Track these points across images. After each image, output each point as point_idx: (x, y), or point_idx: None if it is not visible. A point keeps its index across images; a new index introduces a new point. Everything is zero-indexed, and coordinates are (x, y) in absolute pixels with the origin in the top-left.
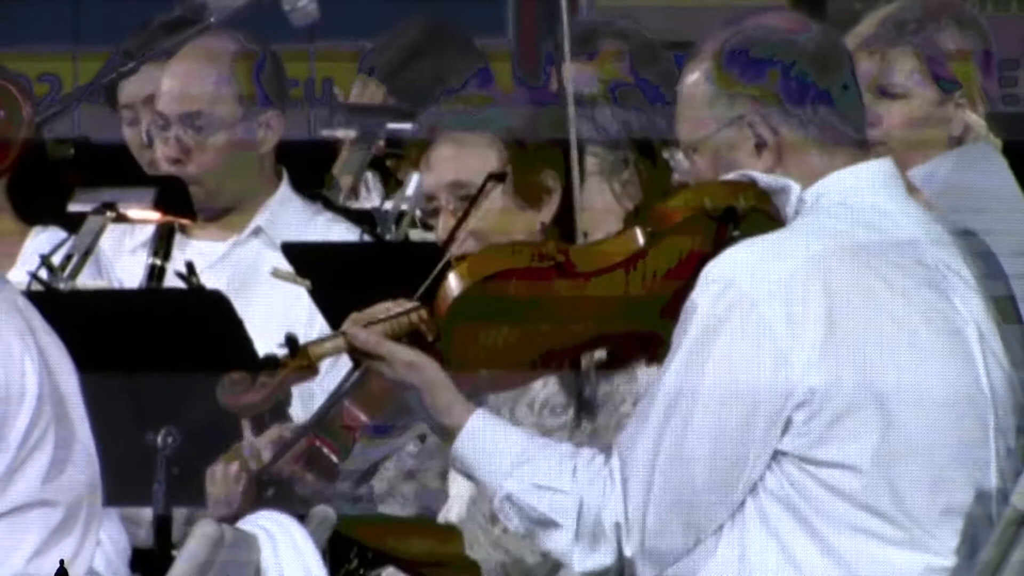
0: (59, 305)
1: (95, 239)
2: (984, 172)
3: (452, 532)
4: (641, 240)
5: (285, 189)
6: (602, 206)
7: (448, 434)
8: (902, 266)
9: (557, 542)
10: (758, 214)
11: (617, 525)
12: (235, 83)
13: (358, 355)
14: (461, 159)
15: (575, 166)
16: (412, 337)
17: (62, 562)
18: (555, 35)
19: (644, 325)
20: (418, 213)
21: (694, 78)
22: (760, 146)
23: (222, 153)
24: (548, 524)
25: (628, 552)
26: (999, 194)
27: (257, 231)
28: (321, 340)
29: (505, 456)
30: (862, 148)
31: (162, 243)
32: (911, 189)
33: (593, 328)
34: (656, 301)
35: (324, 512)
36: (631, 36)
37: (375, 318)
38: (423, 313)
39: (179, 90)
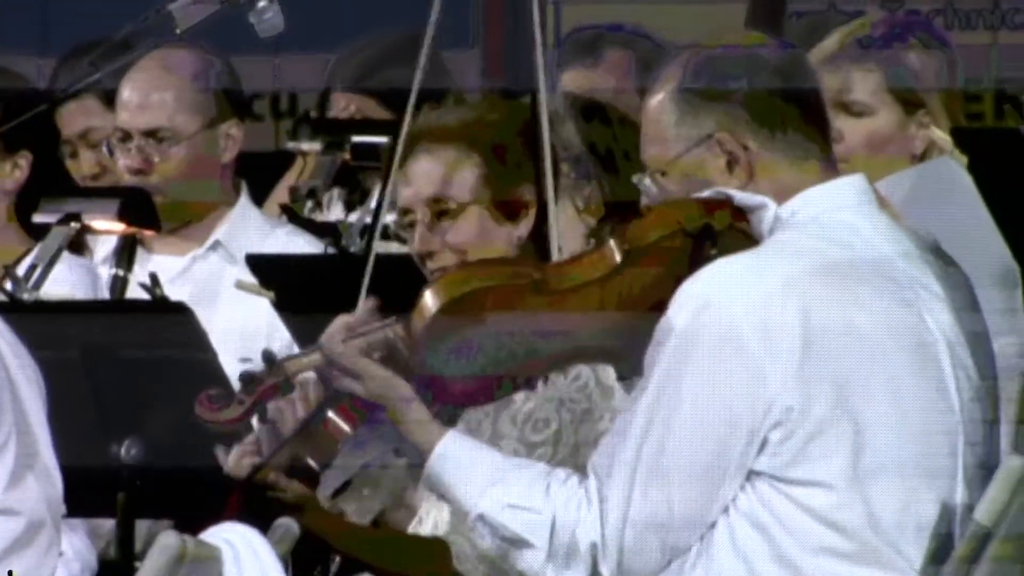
0: (22, 316)
1: (59, 250)
2: (947, 188)
3: (438, 544)
4: (617, 257)
5: (244, 201)
6: (564, 221)
7: (422, 452)
8: (874, 284)
9: (530, 561)
10: (734, 231)
11: (593, 545)
12: (194, 94)
13: (334, 370)
14: (441, 173)
15: (548, 181)
16: (386, 352)
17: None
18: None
19: (618, 341)
20: (389, 222)
21: (658, 100)
22: (731, 163)
23: (184, 163)
24: (520, 543)
25: (605, 572)
26: (961, 209)
27: (216, 245)
28: (298, 356)
29: (478, 476)
30: (831, 162)
31: (124, 254)
32: (882, 202)
33: (568, 344)
34: (630, 318)
35: (287, 524)
36: (637, 44)
37: (352, 333)
38: (398, 328)
39: (139, 102)
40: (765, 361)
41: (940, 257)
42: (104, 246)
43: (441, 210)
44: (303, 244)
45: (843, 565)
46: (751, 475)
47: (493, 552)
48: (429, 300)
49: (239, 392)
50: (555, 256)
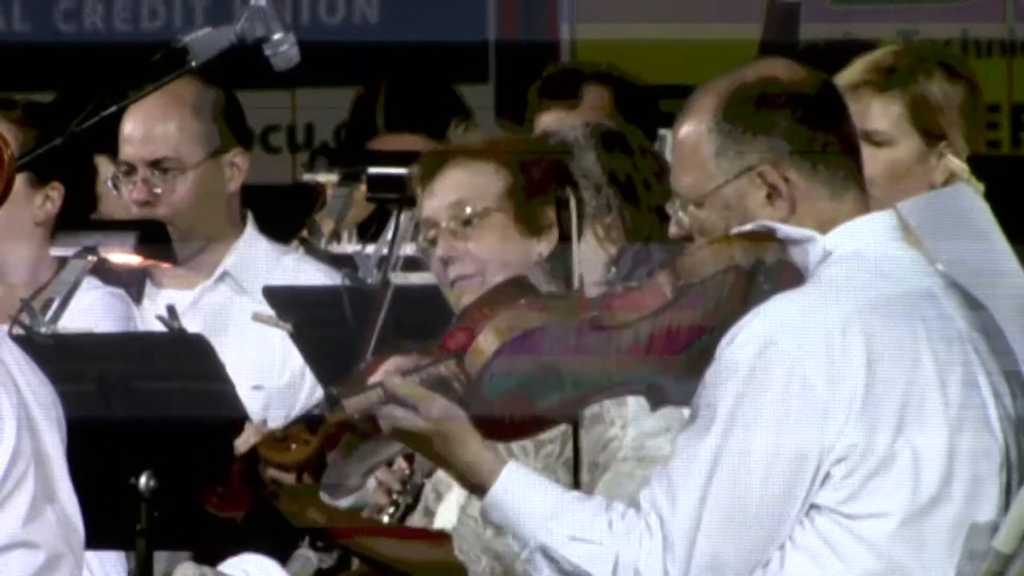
0: (39, 349)
1: (76, 283)
2: (963, 215)
3: (442, 537)
4: (669, 292)
5: (251, 230)
6: (585, 249)
7: (478, 487)
8: (926, 318)
9: None
10: (783, 267)
11: None
12: (198, 124)
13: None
14: (467, 181)
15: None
16: (440, 389)
17: None
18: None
19: (664, 375)
20: (405, 253)
21: (694, 131)
22: (772, 196)
23: (190, 193)
24: None
25: None
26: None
27: (224, 276)
28: (358, 393)
29: (539, 508)
30: (865, 192)
31: (134, 289)
32: (912, 239)
33: (617, 378)
34: (679, 353)
35: (306, 556)
36: (613, 81)
37: (408, 368)
38: (451, 365)
39: (142, 135)
40: (829, 398)
41: (961, 289)
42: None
43: (465, 218)
44: (311, 271)
45: None
46: (811, 509)
47: None
48: (487, 337)
49: (304, 432)
50: (576, 282)
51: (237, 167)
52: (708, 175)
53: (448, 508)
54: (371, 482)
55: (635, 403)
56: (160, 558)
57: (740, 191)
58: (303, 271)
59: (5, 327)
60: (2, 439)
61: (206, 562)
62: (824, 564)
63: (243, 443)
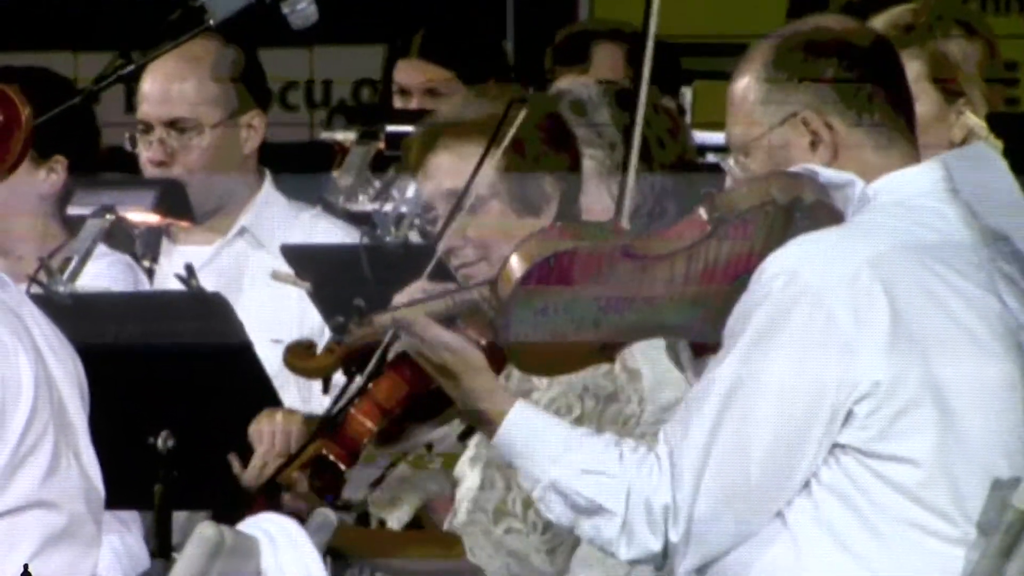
0: (57, 308)
1: (94, 241)
2: (983, 173)
3: (453, 539)
4: (707, 225)
5: (268, 188)
6: (600, 209)
7: (487, 422)
8: (960, 267)
9: (603, 529)
10: (822, 206)
11: (666, 507)
12: (215, 85)
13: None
14: (458, 167)
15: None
16: (470, 315)
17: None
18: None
19: (699, 314)
20: (416, 221)
21: (745, 81)
22: (815, 143)
23: (206, 154)
24: (595, 510)
25: (673, 537)
26: (998, 194)
27: (242, 231)
28: (378, 313)
29: (550, 443)
30: (914, 147)
31: (151, 246)
32: (954, 190)
33: (650, 315)
34: (714, 289)
35: (325, 515)
36: (627, 38)
37: (436, 292)
38: (484, 291)
39: (160, 94)
40: (854, 334)
41: (1008, 244)
42: None
43: (461, 205)
44: (328, 227)
45: (931, 541)
46: (836, 449)
47: (564, 522)
48: (516, 262)
49: (331, 343)
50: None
51: (254, 128)
52: (754, 123)
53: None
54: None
55: (650, 377)
56: (179, 518)
57: (784, 138)
58: (321, 229)
59: (23, 287)
60: (20, 397)
61: (225, 522)
62: (859, 508)
63: (252, 478)
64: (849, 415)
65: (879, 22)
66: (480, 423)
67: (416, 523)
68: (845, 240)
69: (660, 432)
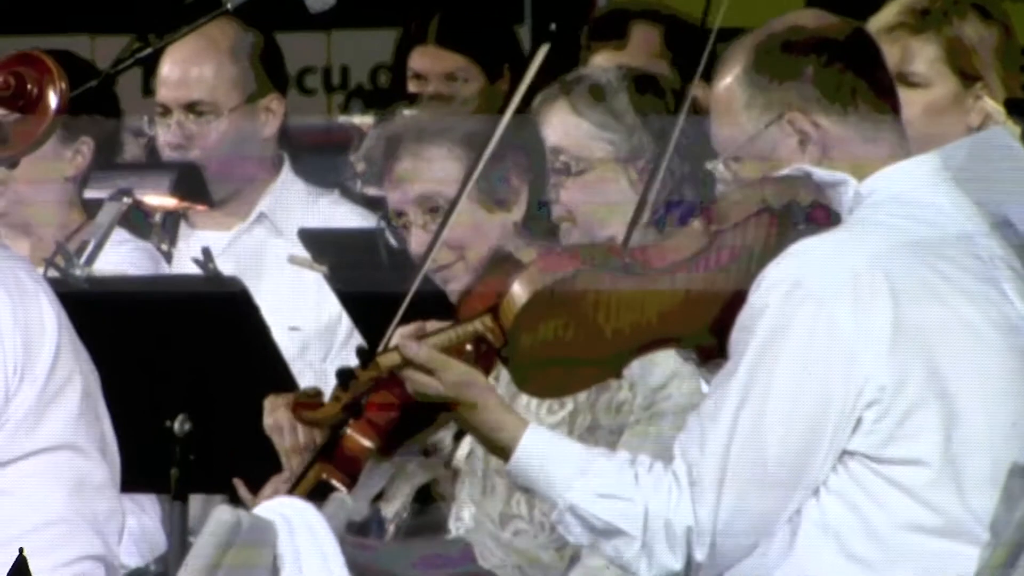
0: (75, 291)
1: (111, 225)
2: (1002, 158)
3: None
4: (704, 238)
5: (287, 173)
6: (618, 192)
7: (501, 450)
8: (959, 261)
9: (623, 550)
10: (817, 207)
11: (688, 529)
12: (234, 68)
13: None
14: (424, 172)
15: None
16: (474, 344)
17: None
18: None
19: (703, 325)
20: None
21: (726, 85)
22: (804, 142)
23: (224, 138)
24: (614, 533)
25: (699, 556)
26: (1017, 179)
27: (260, 218)
28: (386, 353)
29: (564, 467)
30: (902, 136)
31: (169, 230)
32: (953, 180)
33: (655, 329)
34: (716, 300)
35: (341, 499)
36: (663, 19)
37: (437, 328)
38: (487, 320)
39: (178, 77)
40: (857, 340)
41: (1014, 232)
42: None
43: (431, 207)
44: (346, 212)
45: (933, 540)
46: (844, 455)
47: (584, 542)
48: (519, 290)
49: (336, 390)
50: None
51: (273, 112)
52: (741, 128)
53: (466, 508)
54: None
55: (637, 361)
56: (195, 501)
57: (772, 140)
58: (339, 213)
59: (40, 270)
60: (44, 337)
61: (241, 505)
62: (862, 511)
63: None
64: (858, 421)
65: (895, 7)
66: (494, 451)
67: (424, 496)
68: (842, 244)
69: (675, 447)
